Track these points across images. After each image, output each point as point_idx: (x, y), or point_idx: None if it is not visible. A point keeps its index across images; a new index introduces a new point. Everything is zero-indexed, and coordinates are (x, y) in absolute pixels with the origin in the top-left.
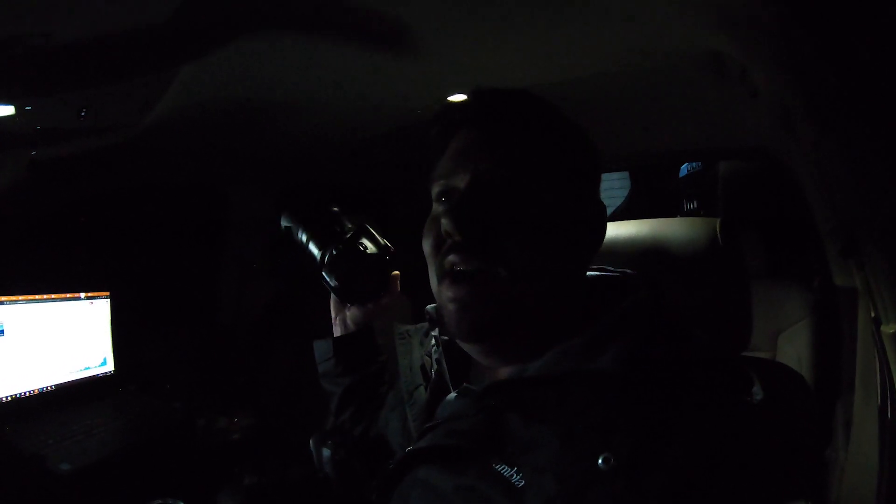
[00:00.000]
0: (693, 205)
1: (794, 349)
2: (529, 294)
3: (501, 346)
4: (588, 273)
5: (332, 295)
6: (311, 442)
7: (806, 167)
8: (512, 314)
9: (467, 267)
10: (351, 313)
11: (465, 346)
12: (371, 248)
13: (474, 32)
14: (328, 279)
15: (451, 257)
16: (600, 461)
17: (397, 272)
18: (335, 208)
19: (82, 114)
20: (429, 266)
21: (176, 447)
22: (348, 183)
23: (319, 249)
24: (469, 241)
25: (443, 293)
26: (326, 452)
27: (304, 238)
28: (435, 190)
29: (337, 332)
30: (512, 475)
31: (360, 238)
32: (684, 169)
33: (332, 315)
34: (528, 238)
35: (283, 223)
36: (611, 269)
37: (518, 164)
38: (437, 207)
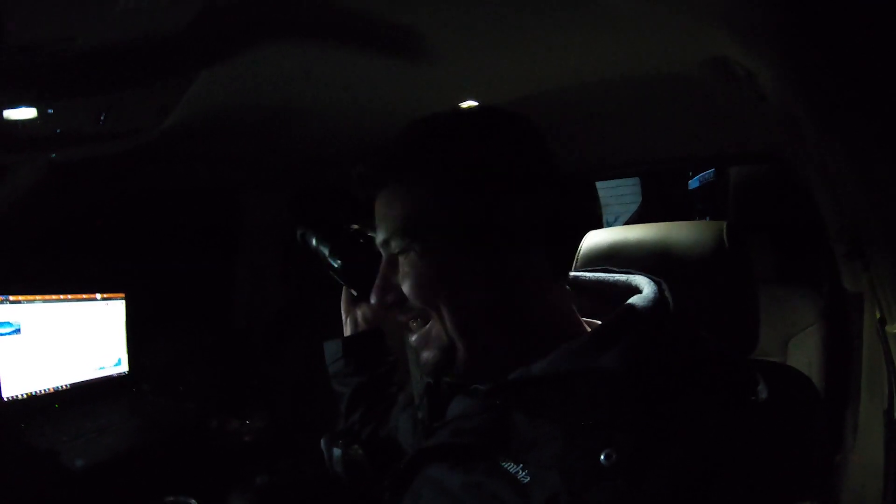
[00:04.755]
0: (706, 219)
1: (805, 354)
2: (486, 330)
3: (475, 377)
4: (592, 274)
5: (343, 292)
6: (322, 442)
7: (812, 170)
8: (468, 348)
9: (418, 328)
10: (361, 312)
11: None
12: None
13: (486, 39)
14: (332, 262)
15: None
16: (602, 457)
17: None
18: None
19: (102, 118)
20: None
21: (188, 447)
22: (326, 193)
23: (328, 242)
24: (407, 310)
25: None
26: (337, 452)
27: (315, 240)
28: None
29: (347, 331)
30: (518, 471)
31: (367, 230)
32: (696, 181)
33: (343, 315)
34: (462, 282)
35: (299, 232)
36: (615, 269)
37: (430, 218)
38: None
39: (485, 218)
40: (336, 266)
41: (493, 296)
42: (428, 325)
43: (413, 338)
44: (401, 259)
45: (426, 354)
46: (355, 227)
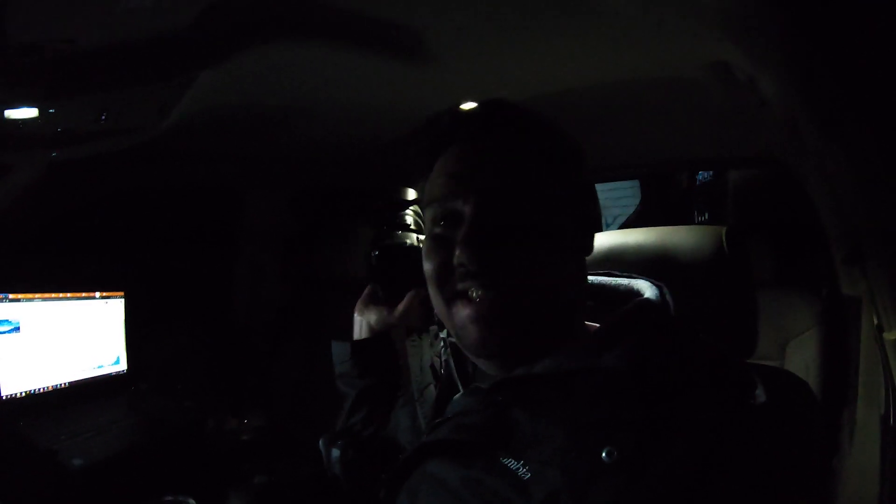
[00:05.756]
0: (704, 216)
1: (802, 358)
2: (541, 308)
3: (515, 359)
4: (595, 277)
5: (364, 293)
6: (320, 442)
7: (813, 175)
8: (527, 331)
9: (485, 292)
10: (374, 315)
11: (478, 360)
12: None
13: (487, 41)
14: (371, 253)
15: (467, 283)
16: (604, 454)
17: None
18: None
19: (103, 117)
20: (431, 287)
21: (187, 446)
22: (361, 187)
23: (375, 232)
24: (484, 269)
25: (457, 315)
26: (336, 452)
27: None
28: (431, 212)
29: (357, 334)
30: (518, 468)
31: (412, 235)
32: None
33: (356, 315)
34: (537, 254)
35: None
36: (617, 272)
37: (519, 179)
38: (436, 229)
39: (579, 199)
40: (372, 257)
41: (566, 280)
42: (504, 297)
43: (477, 310)
44: (484, 208)
45: (498, 328)
46: (402, 229)
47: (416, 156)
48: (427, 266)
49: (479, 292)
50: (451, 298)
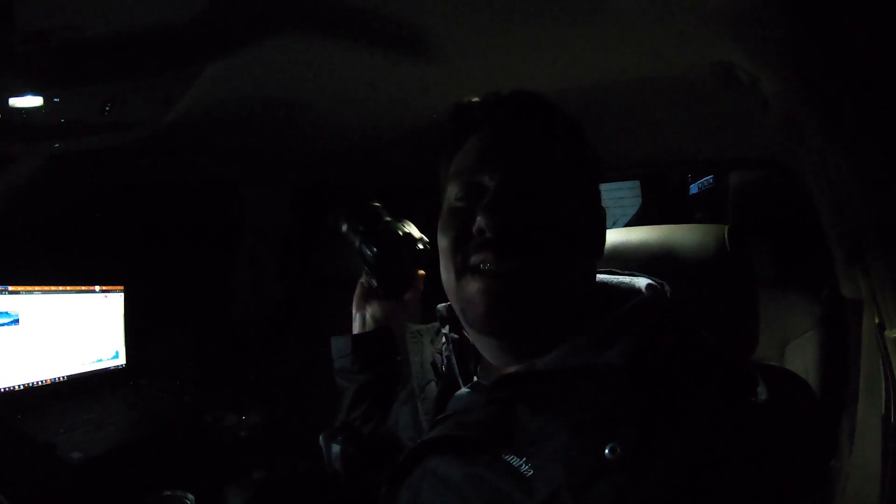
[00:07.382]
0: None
1: (802, 360)
2: (550, 292)
3: (518, 344)
4: (598, 275)
5: (358, 288)
6: (320, 438)
7: (814, 176)
8: (535, 312)
9: (498, 265)
10: (372, 310)
11: (480, 344)
12: (414, 234)
13: (490, 39)
14: (366, 250)
15: (482, 255)
16: (607, 451)
17: (423, 272)
18: (377, 204)
19: (107, 108)
20: (444, 260)
21: (185, 441)
22: (362, 183)
23: (363, 229)
24: (502, 239)
25: (466, 288)
26: (336, 448)
27: (347, 225)
28: (455, 186)
29: (356, 328)
30: (521, 465)
31: (403, 224)
32: (695, 187)
33: (354, 311)
34: (553, 237)
35: (331, 214)
36: (619, 271)
37: (545, 165)
38: (456, 203)
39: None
40: (369, 254)
41: (577, 274)
42: (515, 274)
43: (487, 284)
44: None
45: (505, 304)
46: (388, 218)
47: (448, 134)
48: (443, 238)
49: (493, 264)
50: (462, 271)
